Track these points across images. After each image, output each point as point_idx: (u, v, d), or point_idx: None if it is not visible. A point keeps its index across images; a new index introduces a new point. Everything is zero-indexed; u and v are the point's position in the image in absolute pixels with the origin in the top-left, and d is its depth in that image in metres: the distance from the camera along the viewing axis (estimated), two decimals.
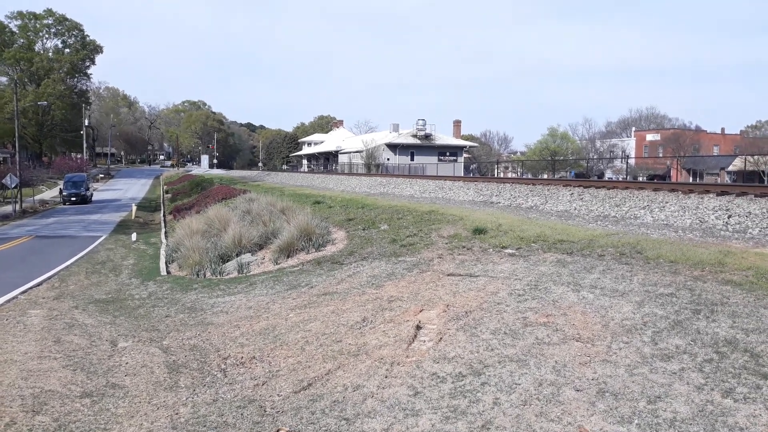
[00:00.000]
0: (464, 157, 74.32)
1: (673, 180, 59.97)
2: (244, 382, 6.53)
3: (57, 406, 5.90)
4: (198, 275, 15.92)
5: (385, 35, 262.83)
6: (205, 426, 5.35)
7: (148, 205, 44.95)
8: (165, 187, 61.47)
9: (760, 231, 11.28)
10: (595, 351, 6.02)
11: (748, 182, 48.52)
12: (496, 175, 70.14)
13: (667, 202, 14.54)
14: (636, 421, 4.62)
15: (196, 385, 6.51)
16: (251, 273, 15.08)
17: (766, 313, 6.33)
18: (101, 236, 26.14)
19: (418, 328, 7.56)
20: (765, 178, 54.22)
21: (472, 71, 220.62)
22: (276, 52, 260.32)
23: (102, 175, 78.16)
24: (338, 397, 5.77)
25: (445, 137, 72.79)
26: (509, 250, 11.18)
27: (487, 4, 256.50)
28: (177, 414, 5.65)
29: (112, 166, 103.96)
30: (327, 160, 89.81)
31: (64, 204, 43.78)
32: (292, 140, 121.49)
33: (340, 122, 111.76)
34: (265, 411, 5.61)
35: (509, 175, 73.76)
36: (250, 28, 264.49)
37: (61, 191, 45.88)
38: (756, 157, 56.79)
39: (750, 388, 4.88)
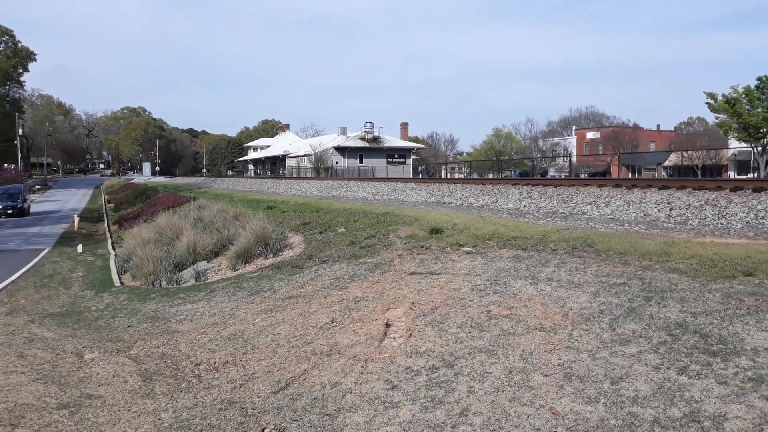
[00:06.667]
0: (412, 159, 75.14)
1: (614, 176, 62.21)
2: (221, 385, 6.62)
3: (35, 418, 5.85)
4: (154, 285, 15.70)
5: (327, 39, 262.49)
6: (190, 429, 5.43)
7: (90, 216, 43.60)
8: (107, 196, 59.74)
9: (699, 222, 12.01)
10: (558, 339, 6.38)
11: (684, 176, 50.88)
12: (443, 176, 71.17)
13: (612, 198, 15.24)
14: (602, 401, 4.98)
15: (173, 391, 6.56)
16: (210, 280, 14.99)
17: (711, 297, 6.85)
18: (45, 249, 25.27)
19: (387, 325, 7.79)
20: (699, 172, 56.93)
21: (416, 74, 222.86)
22: (217, 57, 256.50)
23: (39, 186, 75.14)
24: (317, 395, 5.94)
25: (393, 139, 73.44)
26: (466, 248, 11.55)
27: (426, 7, 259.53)
28: (160, 419, 5.70)
29: (49, 177, 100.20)
30: (274, 165, 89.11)
31: (0, 217, 42.07)
32: (237, 145, 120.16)
33: (286, 126, 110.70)
34: (247, 412, 5.72)
35: (456, 175, 74.95)
36: (190, 33, 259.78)
37: None
38: (690, 152, 59.66)
39: (702, 365, 5.32)
